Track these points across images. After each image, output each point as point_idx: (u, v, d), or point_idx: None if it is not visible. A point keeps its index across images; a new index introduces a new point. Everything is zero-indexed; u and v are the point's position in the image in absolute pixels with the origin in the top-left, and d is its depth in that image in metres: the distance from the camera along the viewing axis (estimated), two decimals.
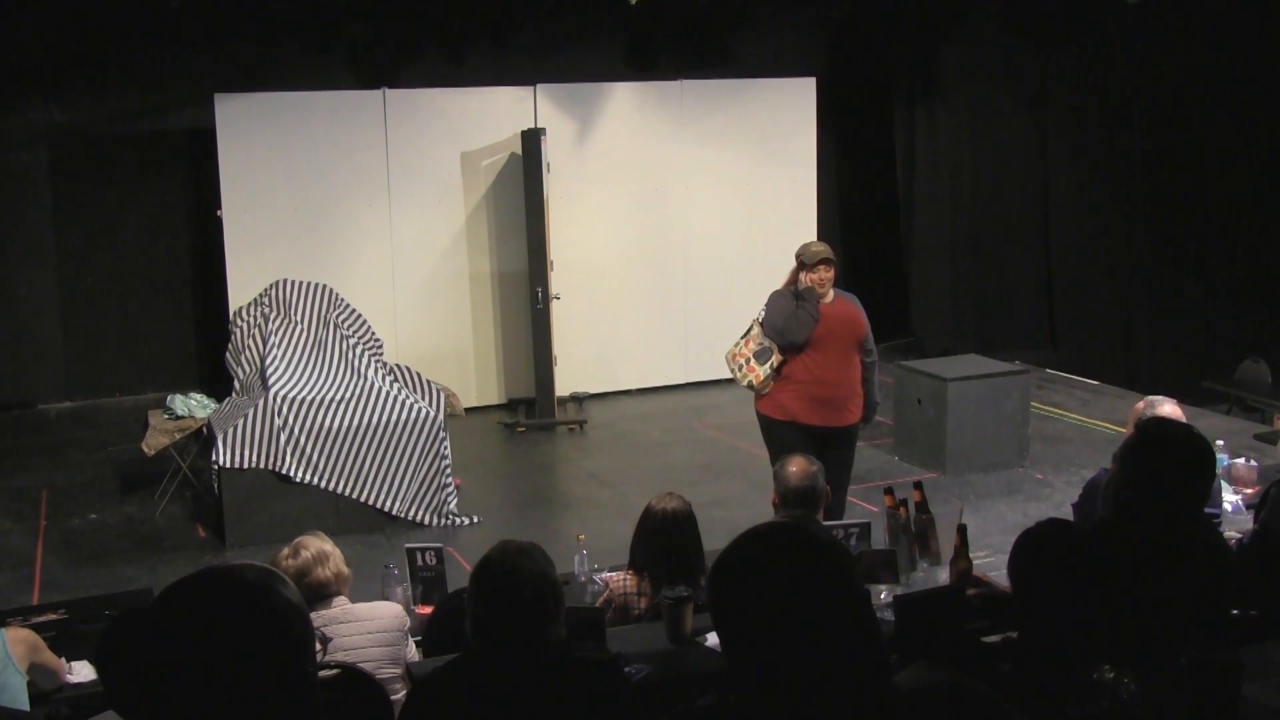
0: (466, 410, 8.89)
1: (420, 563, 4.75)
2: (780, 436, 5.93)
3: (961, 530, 4.39)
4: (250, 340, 8.40)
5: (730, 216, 10.99)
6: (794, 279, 6.02)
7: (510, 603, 2.66)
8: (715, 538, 4.14)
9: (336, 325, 8.69)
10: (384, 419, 7.45)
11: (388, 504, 7.42)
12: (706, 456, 8.92)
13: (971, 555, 4.42)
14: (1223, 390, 9.57)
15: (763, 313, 6.08)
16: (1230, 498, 5.25)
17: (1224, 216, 10.18)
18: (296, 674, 1.64)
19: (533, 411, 10.06)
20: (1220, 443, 5.64)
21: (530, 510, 7.97)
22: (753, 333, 6.08)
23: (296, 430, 7.29)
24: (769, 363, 5.96)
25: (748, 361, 6.03)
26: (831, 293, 5.99)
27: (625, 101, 10.68)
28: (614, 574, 4.46)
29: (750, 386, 6.07)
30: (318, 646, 3.36)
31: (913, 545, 4.76)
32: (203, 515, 7.69)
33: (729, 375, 6.25)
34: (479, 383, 10.52)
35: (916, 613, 3.51)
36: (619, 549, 4.59)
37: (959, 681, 1.72)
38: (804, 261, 5.96)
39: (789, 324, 5.87)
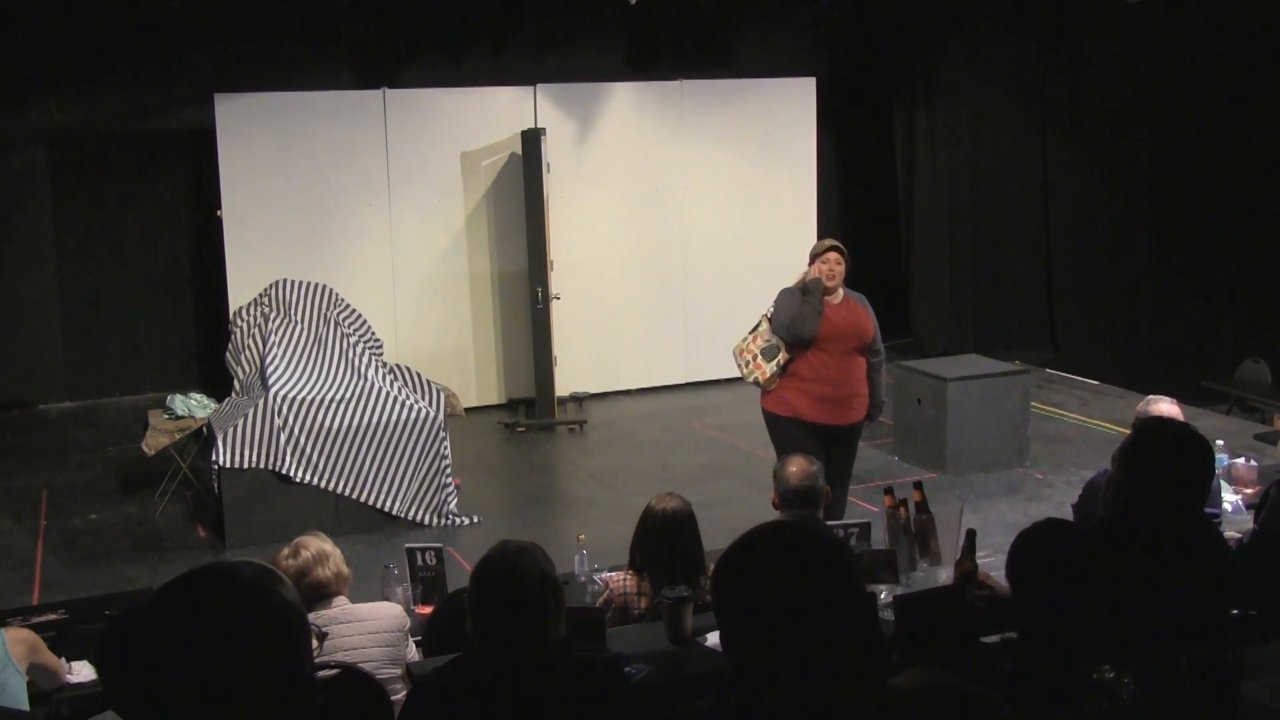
0: (466, 410, 8.88)
1: (420, 563, 4.75)
2: (785, 433, 5.99)
3: (970, 535, 4.36)
4: (250, 340, 8.40)
5: (730, 217, 10.98)
6: (803, 278, 6.05)
7: (510, 603, 2.65)
8: (715, 538, 4.15)
9: (337, 324, 8.69)
10: (384, 419, 7.45)
11: (388, 504, 7.42)
12: (706, 456, 8.91)
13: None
14: (1223, 390, 9.58)
15: (772, 309, 6.10)
16: (1230, 498, 5.25)
17: (1224, 216, 10.19)
18: (294, 673, 1.64)
19: (533, 411, 10.06)
20: (1220, 443, 5.64)
21: (530, 510, 7.97)
22: (761, 329, 6.11)
23: (296, 430, 7.28)
24: (775, 360, 5.99)
25: (755, 358, 6.07)
26: (841, 293, 6.03)
27: (625, 101, 10.68)
28: (614, 574, 4.45)
29: (756, 383, 6.11)
30: (314, 643, 3.35)
31: (913, 545, 4.76)
32: (203, 515, 7.69)
33: (729, 375, 6.28)
34: (479, 383, 10.52)
35: (916, 613, 3.51)
36: (619, 549, 4.59)
37: (958, 683, 1.72)
38: (814, 253, 6.05)
39: (795, 320, 5.90)
